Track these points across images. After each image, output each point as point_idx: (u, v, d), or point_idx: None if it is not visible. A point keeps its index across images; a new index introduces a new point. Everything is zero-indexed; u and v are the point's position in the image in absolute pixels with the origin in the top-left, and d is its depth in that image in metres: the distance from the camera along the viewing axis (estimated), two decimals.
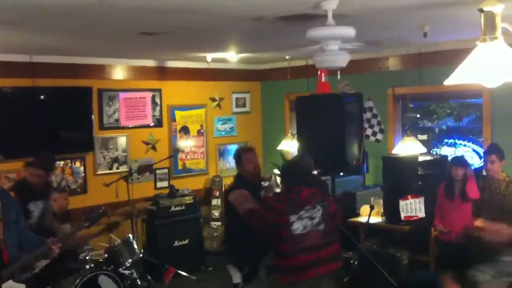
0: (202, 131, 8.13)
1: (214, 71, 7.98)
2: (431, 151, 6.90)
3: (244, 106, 8.71)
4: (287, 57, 7.44)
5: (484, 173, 5.18)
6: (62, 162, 6.68)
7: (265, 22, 4.55)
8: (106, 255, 5.38)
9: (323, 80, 6.12)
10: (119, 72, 7.19)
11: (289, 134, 7.77)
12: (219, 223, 7.82)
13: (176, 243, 6.91)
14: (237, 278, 4.67)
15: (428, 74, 6.38)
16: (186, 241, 7.01)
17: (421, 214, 5.91)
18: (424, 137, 7.05)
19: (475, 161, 6.62)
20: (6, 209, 4.05)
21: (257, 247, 4.40)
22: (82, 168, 6.86)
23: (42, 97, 6.47)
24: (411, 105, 7.26)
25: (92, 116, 6.89)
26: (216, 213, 7.87)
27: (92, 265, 5.15)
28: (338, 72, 6.08)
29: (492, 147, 5.18)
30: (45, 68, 6.41)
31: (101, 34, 4.88)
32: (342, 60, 5.65)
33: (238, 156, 4.83)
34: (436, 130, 7.26)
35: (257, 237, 4.21)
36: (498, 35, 2.16)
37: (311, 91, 6.32)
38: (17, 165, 6.08)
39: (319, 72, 6.08)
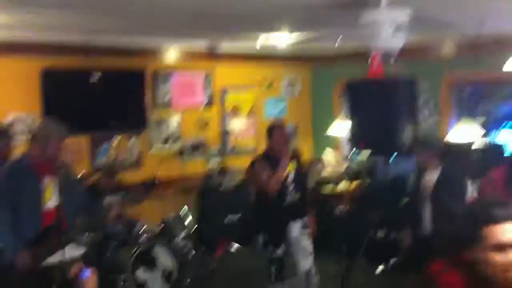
0: (253, 112, 8.22)
1: (266, 55, 8.03)
2: (489, 135, 6.72)
3: (295, 89, 8.74)
4: (339, 40, 7.42)
5: None
6: (119, 138, 6.91)
7: (316, 9, 4.57)
8: (160, 228, 5.56)
9: (375, 64, 6.09)
10: (172, 54, 7.34)
11: (340, 118, 7.78)
12: None
13: (227, 219, 7.06)
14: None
15: (485, 59, 6.26)
16: (237, 217, 7.15)
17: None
18: (482, 119, 6.88)
19: None
20: (66, 179, 4.27)
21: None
22: (137, 145, 7.08)
23: (98, 78, 6.65)
24: (466, 91, 7.14)
25: (146, 96, 7.08)
26: None
27: (147, 237, 5.35)
28: (392, 58, 6.06)
29: None
30: (100, 50, 6.59)
31: (155, 16, 4.97)
32: (396, 43, 5.63)
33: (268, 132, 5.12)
34: (494, 114, 7.11)
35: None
36: None
37: (363, 76, 6.30)
38: (76, 140, 6.32)
39: (371, 57, 6.06)
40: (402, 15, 4.68)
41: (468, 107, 7.18)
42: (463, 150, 6.06)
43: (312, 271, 5.11)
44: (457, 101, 7.18)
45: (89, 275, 4.01)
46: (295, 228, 4.92)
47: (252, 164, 5.14)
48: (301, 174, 5.19)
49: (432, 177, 4.86)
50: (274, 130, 4.96)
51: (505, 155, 5.30)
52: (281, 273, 4.94)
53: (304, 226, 4.94)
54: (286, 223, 4.88)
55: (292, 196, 4.92)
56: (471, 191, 5.33)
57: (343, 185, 7.28)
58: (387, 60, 5.98)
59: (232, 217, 7.06)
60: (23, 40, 5.89)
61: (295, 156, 5.09)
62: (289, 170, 4.91)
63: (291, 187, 4.91)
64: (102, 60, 6.67)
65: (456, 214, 4.65)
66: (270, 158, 4.80)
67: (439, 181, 4.78)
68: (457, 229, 2.01)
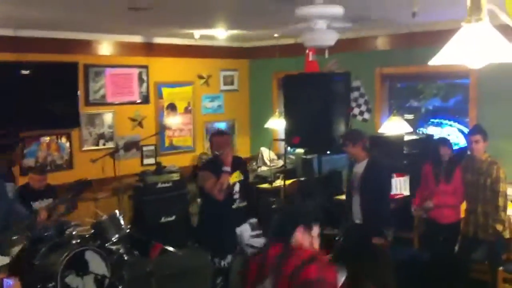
0: (190, 108, 8.10)
1: (202, 48, 7.93)
2: (417, 131, 6.96)
3: (232, 84, 8.68)
4: (275, 35, 7.41)
5: (468, 152, 5.24)
6: (48, 138, 6.65)
7: (252, 3, 4.52)
8: (92, 231, 5.39)
9: (310, 58, 6.11)
10: (105, 47, 7.12)
11: (277, 113, 7.78)
12: None
13: (163, 219, 6.94)
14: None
15: (416, 54, 6.39)
16: (173, 218, 7.04)
17: (406, 192, 5.98)
18: (411, 116, 7.09)
19: (461, 141, 6.69)
20: None
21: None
22: (68, 144, 6.83)
23: (27, 72, 6.38)
24: (398, 85, 7.30)
25: (78, 92, 6.84)
26: None
27: (79, 241, 5.17)
28: (326, 51, 6.10)
29: (477, 127, 5.23)
30: (30, 43, 6.32)
31: (88, 8, 4.82)
32: (330, 39, 5.66)
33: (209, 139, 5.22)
34: (423, 110, 7.31)
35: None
36: (483, 16, 2.16)
37: (299, 69, 6.32)
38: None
39: (307, 51, 6.07)
40: (336, 10, 4.70)
41: (399, 102, 7.34)
42: (393, 142, 6.18)
43: None
44: (389, 95, 7.31)
45: (11, 285, 3.84)
46: (245, 231, 4.83)
47: (198, 171, 5.18)
48: (247, 184, 5.12)
49: (359, 169, 4.94)
50: (213, 137, 4.94)
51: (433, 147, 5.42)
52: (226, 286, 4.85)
53: (254, 228, 4.84)
54: (235, 226, 4.79)
55: (238, 204, 4.86)
56: (398, 186, 5.46)
57: (279, 182, 7.30)
58: (322, 54, 6.03)
59: (168, 218, 6.95)
60: None
61: (239, 165, 4.97)
62: (234, 180, 4.80)
63: (236, 196, 4.83)
64: (33, 55, 6.38)
65: (376, 209, 4.83)
66: (215, 165, 4.70)
67: (364, 173, 4.87)
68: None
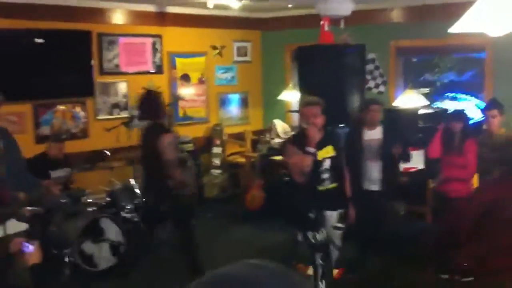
0: (203, 79, 8.09)
1: (216, 18, 7.87)
2: (432, 105, 6.92)
3: (245, 55, 8.63)
4: (289, 5, 7.34)
5: (484, 127, 5.21)
6: (63, 107, 6.68)
7: None
8: (107, 199, 5.46)
9: (326, 29, 6.05)
10: (119, 16, 7.09)
11: (290, 84, 7.75)
12: (219, 171, 7.89)
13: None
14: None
15: (432, 27, 6.32)
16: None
17: (420, 166, 5.97)
18: (426, 90, 7.05)
19: (476, 115, 6.65)
20: (8, 149, 4.11)
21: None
22: (83, 113, 6.86)
23: (40, 40, 6.38)
24: (413, 59, 7.23)
25: (92, 60, 6.84)
26: (216, 161, 7.92)
27: (94, 208, 5.25)
28: (342, 22, 6.04)
29: (493, 102, 5.19)
30: (43, 10, 6.30)
31: None
32: (346, 8, 5.62)
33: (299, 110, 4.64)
34: (438, 83, 7.26)
35: None
36: None
37: (312, 41, 6.26)
38: (17, 108, 6.08)
39: (322, 21, 6.01)
40: None
41: (414, 75, 7.28)
42: (408, 115, 6.16)
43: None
44: (404, 68, 7.25)
45: (32, 250, 3.90)
46: (331, 218, 4.33)
47: (283, 145, 4.69)
48: (340, 160, 4.38)
49: (374, 135, 4.96)
50: (302, 108, 4.33)
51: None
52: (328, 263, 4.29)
53: (340, 219, 4.34)
54: (321, 209, 4.26)
55: (326, 185, 4.27)
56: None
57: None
58: (337, 25, 5.98)
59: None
60: None
61: (332, 138, 4.36)
62: (323, 156, 4.20)
63: (325, 175, 4.25)
64: (46, 23, 6.36)
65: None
66: (301, 140, 4.14)
67: (385, 137, 4.97)
68: None
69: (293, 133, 4.48)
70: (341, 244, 4.45)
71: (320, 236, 4.17)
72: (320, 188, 4.23)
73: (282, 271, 0.94)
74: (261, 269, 0.94)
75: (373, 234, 5.03)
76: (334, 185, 4.27)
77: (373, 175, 4.97)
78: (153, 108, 4.89)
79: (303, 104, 4.40)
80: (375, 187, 4.97)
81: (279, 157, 7.42)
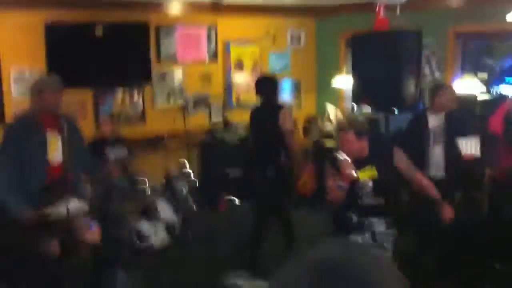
0: (257, 66, 8.15)
1: (269, 7, 7.90)
2: (491, 90, 6.72)
3: (299, 42, 8.64)
4: None
5: None
6: (121, 93, 6.90)
7: None
8: (164, 182, 5.62)
9: (381, 15, 5.98)
10: (175, 7, 7.23)
11: (344, 71, 7.71)
12: None
13: (230, 173, 7.11)
14: None
15: (491, 11, 6.13)
16: (240, 172, 7.20)
17: (477, 153, 5.84)
18: (484, 75, 6.85)
19: None
20: (71, 135, 4.30)
21: None
22: (140, 100, 7.07)
23: (100, 33, 6.59)
24: (472, 43, 7.05)
25: (150, 50, 7.02)
26: None
27: (150, 191, 5.42)
28: (398, 8, 5.96)
29: None
30: (104, 3, 6.51)
31: None
32: None
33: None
34: (497, 68, 7.05)
35: None
36: None
37: (367, 27, 6.21)
38: (78, 95, 6.33)
39: (377, 8, 5.94)
40: None
41: (472, 61, 7.09)
42: (465, 102, 6.03)
43: None
44: (462, 54, 7.08)
45: (93, 228, 4.09)
46: (379, 225, 3.92)
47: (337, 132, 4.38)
48: (386, 179, 3.91)
49: (438, 121, 4.92)
50: (338, 132, 4.06)
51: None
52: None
53: (389, 227, 3.94)
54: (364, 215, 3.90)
55: (366, 202, 3.89)
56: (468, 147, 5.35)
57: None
58: (393, 10, 5.90)
59: (235, 172, 7.10)
60: None
61: (376, 155, 3.89)
62: (363, 177, 3.83)
63: (367, 196, 3.87)
64: (106, 14, 6.59)
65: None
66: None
67: (449, 121, 4.92)
68: None
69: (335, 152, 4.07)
70: (392, 247, 3.99)
71: (362, 241, 3.81)
72: (362, 203, 3.87)
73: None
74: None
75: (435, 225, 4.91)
76: (378, 202, 3.88)
77: (438, 160, 4.93)
78: (268, 88, 5.53)
79: (338, 128, 4.23)
80: (440, 173, 4.92)
81: (330, 141, 7.43)
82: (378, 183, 3.83)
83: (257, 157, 5.58)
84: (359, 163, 3.77)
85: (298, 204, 6.66)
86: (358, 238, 3.82)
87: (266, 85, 5.59)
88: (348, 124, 3.95)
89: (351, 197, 3.80)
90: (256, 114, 5.64)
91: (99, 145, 5.70)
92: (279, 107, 5.46)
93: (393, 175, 3.95)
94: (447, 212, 4.09)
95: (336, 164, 3.78)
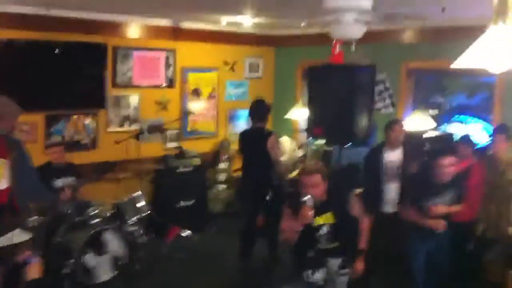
0: (214, 94, 8.15)
1: (229, 34, 7.95)
2: (440, 127, 6.89)
3: (257, 71, 8.69)
4: (302, 24, 7.39)
5: (490, 152, 5.19)
6: (74, 117, 6.76)
7: None
8: (112, 211, 5.50)
9: (337, 50, 6.09)
10: (134, 30, 7.18)
11: (300, 102, 7.78)
12: (225, 186, 7.91)
13: (181, 204, 7.03)
14: None
15: (443, 49, 6.31)
16: (191, 202, 7.12)
17: None
18: (435, 112, 7.02)
19: (484, 139, 6.60)
20: (19, 160, 4.17)
21: None
22: (94, 124, 6.94)
23: (57, 51, 6.48)
24: (424, 80, 7.21)
25: (106, 73, 6.93)
26: (222, 176, 7.95)
27: (99, 220, 5.29)
28: (353, 43, 6.07)
29: (501, 127, 5.18)
30: (61, 22, 6.40)
31: None
32: (357, 32, 5.64)
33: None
34: (447, 106, 7.24)
35: None
36: (508, 19, 2.15)
37: (324, 59, 6.30)
38: (30, 118, 6.17)
39: (333, 42, 6.05)
40: (364, 3, 4.67)
41: (424, 97, 7.27)
42: (415, 138, 6.15)
43: None
44: (414, 90, 7.24)
45: (34, 261, 3.94)
46: (333, 265, 3.97)
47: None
48: (343, 226, 3.91)
49: (395, 157, 5.00)
50: (301, 176, 3.94)
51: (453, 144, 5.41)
52: None
53: (344, 265, 3.96)
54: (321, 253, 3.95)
55: (323, 246, 3.92)
56: None
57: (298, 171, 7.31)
58: (348, 45, 6.00)
59: (186, 202, 7.03)
60: None
61: (333, 203, 3.90)
62: (319, 222, 3.85)
63: (323, 239, 3.89)
64: (61, 34, 6.47)
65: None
66: (297, 207, 3.76)
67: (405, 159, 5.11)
68: None
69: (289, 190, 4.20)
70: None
71: (316, 277, 3.88)
72: (319, 246, 3.91)
73: None
74: None
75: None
76: (334, 245, 3.93)
77: (391, 196, 5.01)
78: (262, 113, 5.99)
79: (303, 172, 4.02)
80: (392, 208, 4.99)
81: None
82: (335, 229, 3.86)
83: (249, 178, 6.01)
84: (318, 208, 3.79)
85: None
86: (313, 274, 3.86)
87: (260, 109, 5.99)
88: (315, 167, 3.94)
89: (306, 239, 3.81)
90: (245, 137, 6.11)
91: (47, 171, 5.55)
92: (267, 133, 5.91)
93: (349, 224, 3.96)
94: (358, 265, 4.01)
95: (296, 205, 3.76)
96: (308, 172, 3.87)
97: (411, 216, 4.46)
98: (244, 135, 6.21)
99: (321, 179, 3.81)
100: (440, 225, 4.39)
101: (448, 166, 4.37)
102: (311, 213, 3.71)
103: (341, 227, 3.88)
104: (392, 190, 5.08)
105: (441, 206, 4.38)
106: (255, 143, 5.88)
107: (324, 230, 3.86)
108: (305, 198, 3.69)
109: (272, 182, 5.85)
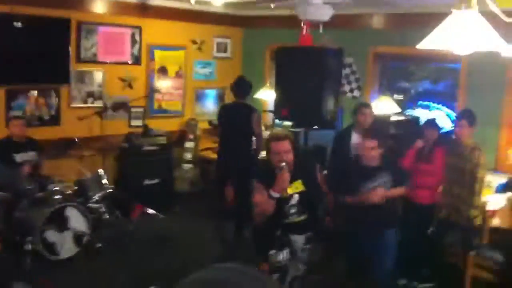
0: (181, 73, 8.06)
1: (197, 13, 7.85)
2: (405, 112, 6.99)
3: (225, 51, 8.63)
4: (272, 5, 7.35)
5: (453, 136, 5.28)
6: (36, 92, 6.60)
7: None
8: (75, 188, 5.42)
9: (305, 32, 6.09)
10: (100, 5, 7.02)
11: (268, 83, 7.77)
12: (191, 165, 7.88)
13: (146, 182, 6.97)
14: None
15: (410, 35, 6.36)
16: (156, 181, 7.07)
17: None
18: (400, 97, 7.12)
19: (447, 125, 6.74)
20: None
21: None
22: (56, 100, 6.79)
23: (19, 24, 6.29)
24: (390, 65, 7.29)
25: (70, 48, 6.77)
26: (188, 156, 7.91)
27: (61, 197, 5.20)
28: (321, 26, 6.08)
29: (464, 112, 5.24)
30: None
31: None
32: (325, 14, 5.66)
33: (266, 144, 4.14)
34: (413, 91, 7.34)
35: None
36: (473, 4, 2.18)
37: (293, 41, 6.30)
38: None
39: (302, 24, 6.04)
40: None
41: (390, 82, 7.35)
42: (381, 122, 6.23)
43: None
44: (381, 74, 7.32)
45: None
46: (298, 242, 3.95)
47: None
48: (311, 195, 3.95)
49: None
50: (270, 143, 3.85)
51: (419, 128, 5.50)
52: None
53: (308, 241, 3.96)
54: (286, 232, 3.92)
55: (292, 219, 3.91)
56: None
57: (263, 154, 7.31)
58: (316, 28, 6.02)
59: (151, 181, 6.97)
60: None
61: (303, 170, 3.92)
62: (291, 192, 3.84)
63: (292, 210, 3.89)
64: (25, 8, 6.27)
65: None
66: (271, 176, 3.74)
67: None
68: None
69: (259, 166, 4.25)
70: (304, 270, 3.99)
71: (281, 257, 3.84)
72: (286, 221, 3.89)
73: (259, 276, 1.00)
74: (239, 274, 0.99)
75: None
76: (301, 218, 3.92)
77: None
78: (245, 90, 6.25)
79: (272, 138, 3.88)
80: None
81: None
82: (303, 198, 3.86)
83: (228, 150, 6.16)
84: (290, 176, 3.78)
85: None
86: (278, 254, 3.83)
87: (243, 86, 6.26)
88: (283, 133, 3.91)
89: (276, 214, 3.78)
90: (227, 111, 6.33)
91: (7, 146, 5.43)
92: (251, 109, 6.13)
93: (316, 191, 4.02)
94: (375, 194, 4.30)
95: (268, 178, 3.74)
96: (278, 138, 3.82)
97: (348, 200, 4.48)
98: (225, 109, 6.46)
99: (291, 145, 3.79)
100: (375, 197, 4.33)
101: (371, 149, 4.37)
102: (289, 177, 3.69)
103: (309, 194, 3.89)
104: None
105: (379, 189, 4.36)
106: (238, 117, 6.09)
107: (295, 199, 3.86)
108: (282, 164, 3.67)
109: (253, 154, 6.11)
